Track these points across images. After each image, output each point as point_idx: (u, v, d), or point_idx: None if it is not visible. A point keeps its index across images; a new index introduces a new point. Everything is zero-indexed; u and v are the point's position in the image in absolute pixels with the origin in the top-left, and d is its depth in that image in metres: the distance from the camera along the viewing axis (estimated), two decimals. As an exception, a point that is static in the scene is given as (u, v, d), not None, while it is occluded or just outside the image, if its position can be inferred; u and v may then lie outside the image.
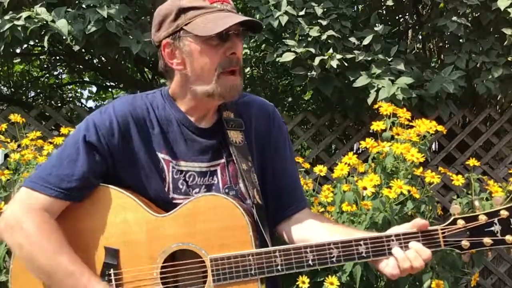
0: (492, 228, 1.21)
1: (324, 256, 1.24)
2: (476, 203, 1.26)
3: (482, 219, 1.22)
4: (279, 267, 1.24)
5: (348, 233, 1.31)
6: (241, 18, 1.26)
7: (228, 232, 1.26)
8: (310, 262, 1.24)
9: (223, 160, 1.37)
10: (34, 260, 1.21)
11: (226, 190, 1.36)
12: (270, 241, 1.33)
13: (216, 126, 1.39)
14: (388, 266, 1.23)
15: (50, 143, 2.83)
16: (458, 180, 2.66)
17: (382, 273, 1.26)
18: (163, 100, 1.38)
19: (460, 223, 1.22)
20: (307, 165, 2.97)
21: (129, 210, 1.28)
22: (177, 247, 1.26)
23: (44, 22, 3.22)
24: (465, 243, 1.22)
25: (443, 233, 1.23)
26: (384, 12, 4.39)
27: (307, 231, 1.39)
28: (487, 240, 1.20)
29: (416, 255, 1.21)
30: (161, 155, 1.33)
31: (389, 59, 3.60)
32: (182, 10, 1.27)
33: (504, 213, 1.21)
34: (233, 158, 1.36)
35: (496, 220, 1.21)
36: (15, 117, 2.90)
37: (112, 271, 1.26)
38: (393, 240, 1.24)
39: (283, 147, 1.46)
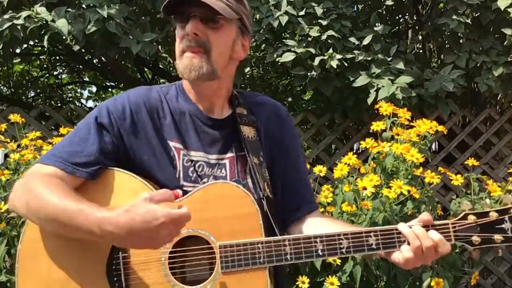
0: (503, 226, 1.21)
1: (333, 246, 1.24)
2: (487, 201, 1.25)
3: (493, 215, 1.21)
4: (288, 256, 1.23)
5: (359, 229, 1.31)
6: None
7: (238, 220, 1.25)
8: (319, 252, 1.24)
9: (232, 154, 1.39)
10: (42, 208, 1.19)
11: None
12: (280, 234, 1.32)
13: (228, 119, 1.41)
14: (401, 253, 1.22)
15: (49, 143, 2.83)
16: (457, 180, 2.66)
17: (395, 263, 1.24)
18: (176, 93, 1.41)
19: (471, 218, 1.22)
20: (307, 165, 2.97)
21: (140, 195, 1.27)
22: (187, 233, 1.25)
23: (44, 22, 3.21)
24: (475, 238, 1.21)
25: (453, 227, 1.23)
26: (384, 12, 4.39)
27: (318, 230, 1.38)
28: (497, 236, 1.20)
29: (424, 233, 1.20)
30: (172, 143, 1.35)
31: (389, 59, 3.60)
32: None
33: None
34: (245, 152, 1.37)
35: (506, 217, 1.21)
36: (15, 117, 2.90)
37: (120, 255, 1.25)
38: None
39: (295, 150, 1.47)
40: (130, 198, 1.24)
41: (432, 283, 2.30)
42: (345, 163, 2.52)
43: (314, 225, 1.42)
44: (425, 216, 1.24)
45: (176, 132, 1.35)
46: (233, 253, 1.23)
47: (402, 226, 1.23)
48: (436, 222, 1.23)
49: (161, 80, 6.47)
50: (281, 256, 1.23)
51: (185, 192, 1.30)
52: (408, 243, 1.22)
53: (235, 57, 1.39)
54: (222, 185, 1.29)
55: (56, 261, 1.26)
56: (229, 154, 1.39)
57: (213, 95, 1.39)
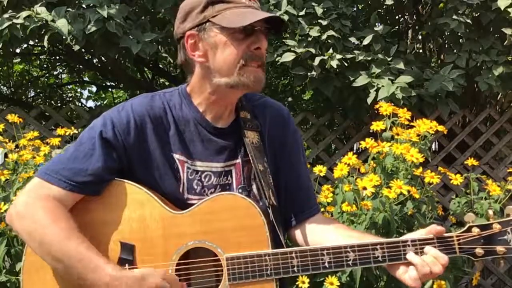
0: (505, 237, 1.22)
1: (340, 259, 1.25)
2: (490, 212, 1.27)
3: (496, 227, 1.23)
4: (295, 268, 1.24)
5: (363, 238, 1.31)
6: (269, 14, 1.28)
7: (245, 231, 1.26)
8: (326, 264, 1.25)
9: (238, 160, 1.38)
10: (44, 245, 1.20)
11: (240, 191, 1.36)
12: (285, 242, 1.33)
13: (233, 126, 1.40)
14: (409, 277, 1.22)
15: (47, 143, 2.82)
16: (457, 180, 2.66)
17: (400, 280, 1.26)
18: (180, 99, 1.38)
19: (475, 231, 1.24)
20: (307, 165, 2.97)
21: (147, 206, 1.28)
22: (194, 245, 1.26)
23: (44, 22, 3.21)
24: (479, 250, 1.23)
25: (458, 240, 1.24)
26: (384, 12, 4.39)
27: (322, 235, 1.39)
28: (500, 248, 1.22)
29: (434, 260, 1.21)
30: (176, 156, 1.33)
31: (389, 59, 3.60)
32: (211, 3, 1.28)
33: None
34: (249, 158, 1.36)
35: (509, 229, 1.22)
36: (12, 117, 2.89)
37: (127, 267, 1.25)
38: (409, 246, 1.25)
39: (297, 152, 1.48)
40: (135, 210, 1.27)
41: (434, 285, 2.30)
42: (345, 163, 2.51)
43: (316, 229, 1.42)
44: (437, 227, 1.24)
45: (180, 144, 1.34)
46: (240, 265, 1.24)
47: (411, 256, 1.23)
48: (442, 235, 1.24)
49: (161, 80, 6.47)
50: (288, 268, 1.24)
51: (189, 205, 1.30)
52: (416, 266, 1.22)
53: None
54: (229, 197, 1.29)
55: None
56: (235, 161, 1.38)
57: (234, 102, 1.39)
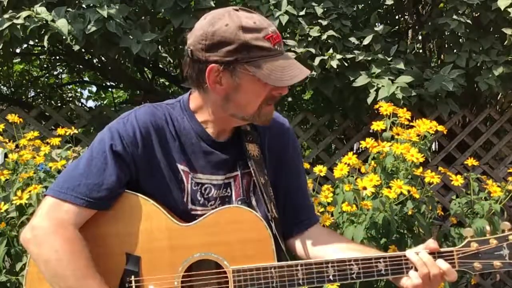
0: (501, 252, 1.27)
1: (344, 272, 1.26)
2: (487, 227, 1.31)
3: (493, 243, 1.27)
4: (300, 281, 1.25)
5: (363, 251, 1.34)
6: (304, 71, 1.29)
7: (251, 244, 1.27)
8: (331, 277, 1.26)
9: (238, 172, 1.39)
10: (59, 278, 1.19)
11: (239, 203, 1.37)
12: (286, 252, 1.35)
13: (234, 139, 1.40)
14: (410, 280, 1.25)
15: (47, 143, 2.82)
16: (457, 180, 2.66)
17: None
18: (182, 113, 1.38)
19: (474, 245, 1.28)
20: (307, 165, 2.96)
21: (153, 218, 1.28)
22: (200, 257, 1.27)
23: (44, 22, 3.21)
24: (477, 265, 1.27)
25: (457, 254, 1.28)
26: (384, 12, 4.39)
27: (321, 247, 1.40)
28: (496, 263, 1.26)
29: (432, 261, 1.24)
30: (180, 166, 1.34)
31: (389, 59, 3.60)
32: (246, 47, 1.22)
33: None
34: (251, 171, 1.37)
35: (505, 244, 1.27)
36: (12, 117, 2.89)
37: (133, 278, 1.26)
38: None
39: (297, 164, 1.49)
40: (142, 222, 1.27)
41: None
42: (345, 163, 2.51)
43: (314, 241, 1.43)
44: (431, 244, 1.27)
45: (183, 155, 1.34)
46: (246, 277, 1.25)
47: (410, 253, 1.27)
48: (442, 250, 1.28)
49: (161, 80, 6.47)
50: (293, 281, 1.25)
51: (193, 216, 1.31)
52: (416, 269, 1.25)
53: None
54: (235, 209, 1.31)
55: None
56: (235, 173, 1.39)
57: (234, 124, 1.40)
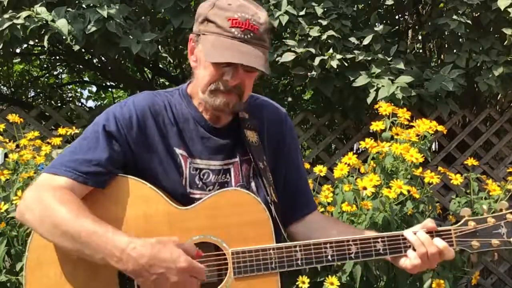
0: (499, 230, 1.29)
1: (343, 252, 1.29)
2: (484, 206, 1.36)
3: (491, 221, 1.29)
4: (299, 262, 1.28)
5: (364, 233, 1.36)
6: (252, 61, 1.26)
7: (250, 226, 1.28)
8: (329, 257, 1.28)
9: (237, 159, 1.40)
10: (56, 227, 1.19)
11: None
12: (286, 237, 1.38)
13: (232, 125, 1.41)
14: (408, 259, 1.28)
15: (48, 143, 2.82)
16: (457, 180, 2.66)
17: (403, 268, 1.31)
18: (180, 99, 1.41)
19: (471, 224, 1.30)
20: (307, 165, 2.97)
21: (152, 202, 1.29)
22: (199, 239, 1.27)
23: (44, 22, 3.21)
24: (475, 243, 1.29)
25: (455, 233, 1.30)
26: (384, 12, 4.39)
27: (321, 231, 1.42)
28: (494, 241, 1.28)
29: (429, 241, 1.27)
30: (179, 151, 1.35)
31: (389, 59, 3.60)
32: (206, 20, 1.29)
33: (510, 217, 1.29)
34: (250, 157, 1.39)
35: (502, 223, 1.29)
36: (13, 117, 2.89)
37: None
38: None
39: (295, 152, 1.51)
40: (141, 206, 1.28)
41: (433, 285, 2.30)
42: (345, 163, 2.51)
43: (314, 226, 1.45)
44: (429, 223, 1.30)
45: (181, 140, 1.36)
46: (245, 259, 1.26)
47: (407, 233, 1.29)
48: (440, 229, 1.30)
49: (161, 80, 6.47)
50: (292, 262, 1.27)
51: (192, 199, 1.32)
52: (414, 249, 1.28)
53: None
54: (234, 192, 1.32)
55: (64, 268, 1.26)
56: (234, 159, 1.40)
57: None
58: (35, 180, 1.33)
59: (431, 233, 1.29)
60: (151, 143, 1.33)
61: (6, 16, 3.21)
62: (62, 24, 3.18)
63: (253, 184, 1.40)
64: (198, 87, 1.34)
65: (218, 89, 1.30)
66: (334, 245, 1.28)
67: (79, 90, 7.29)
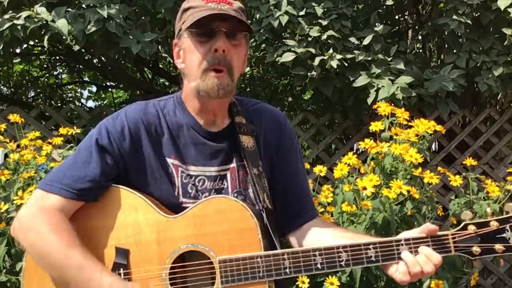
0: (504, 235, 1.19)
1: (332, 259, 1.24)
2: (488, 209, 1.24)
3: (494, 225, 1.20)
4: (287, 270, 1.24)
5: (357, 239, 1.30)
6: (224, 14, 1.26)
7: (237, 234, 1.26)
8: (318, 265, 1.24)
9: (233, 165, 1.38)
10: (46, 256, 1.22)
11: (235, 195, 1.37)
12: (280, 246, 1.33)
13: (227, 130, 1.40)
14: (398, 272, 1.22)
15: (49, 143, 2.82)
16: (456, 181, 2.66)
17: (392, 278, 1.25)
18: (174, 106, 1.40)
19: (471, 228, 1.21)
20: (307, 165, 2.96)
21: (141, 211, 1.29)
22: (186, 248, 1.27)
23: (44, 22, 3.21)
24: (475, 249, 1.20)
25: (453, 238, 1.22)
26: (384, 12, 4.39)
27: (319, 238, 1.39)
28: (498, 246, 1.19)
29: (426, 259, 1.20)
30: (170, 160, 1.35)
31: (389, 59, 3.60)
32: (183, 11, 1.33)
33: None
34: (244, 162, 1.37)
35: (508, 226, 1.19)
36: (14, 117, 2.89)
37: (121, 271, 1.27)
38: (402, 245, 1.23)
39: (294, 158, 1.47)
40: (130, 215, 1.29)
41: (432, 285, 2.30)
42: (345, 163, 2.51)
43: (316, 234, 1.41)
44: (430, 226, 1.23)
45: (174, 148, 1.35)
46: (233, 268, 1.24)
47: (405, 255, 1.22)
48: (437, 233, 1.22)
49: (161, 80, 6.48)
50: (280, 270, 1.24)
51: (184, 209, 1.31)
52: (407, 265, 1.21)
53: (242, 71, 1.39)
54: (221, 199, 1.30)
55: None
56: (230, 165, 1.38)
57: (220, 108, 1.39)
58: (32, 191, 1.35)
59: (427, 237, 1.22)
60: (143, 155, 1.34)
61: (6, 16, 3.21)
62: (62, 24, 3.18)
63: (250, 190, 1.38)
64: (190, 77, 1.32)
65: (208, 68, 1.28)
66: (323, 252, 1.24)
67: (79, 90, 7.29)
